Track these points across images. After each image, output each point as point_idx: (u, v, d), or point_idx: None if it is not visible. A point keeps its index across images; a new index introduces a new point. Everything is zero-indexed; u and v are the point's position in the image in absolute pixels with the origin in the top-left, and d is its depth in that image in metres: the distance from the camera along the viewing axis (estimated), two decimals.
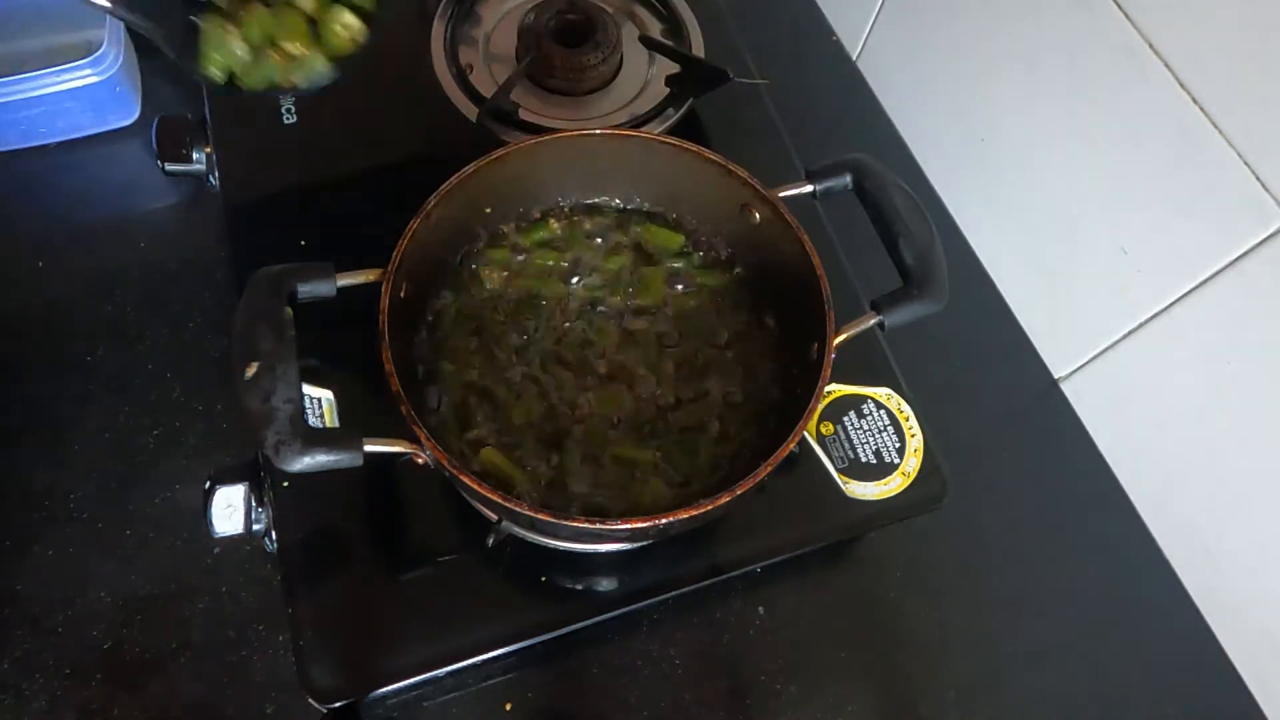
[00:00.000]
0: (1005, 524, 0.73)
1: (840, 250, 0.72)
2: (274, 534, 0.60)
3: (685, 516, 0.49)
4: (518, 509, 0.49)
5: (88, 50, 0.78)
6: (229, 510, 0.59)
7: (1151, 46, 0.61)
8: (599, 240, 0.66)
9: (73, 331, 0.73)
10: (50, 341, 0.72)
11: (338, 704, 0.57)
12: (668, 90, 0.78)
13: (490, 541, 0.58)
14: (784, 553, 0.64)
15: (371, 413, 0.53)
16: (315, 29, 0.60)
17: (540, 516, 0.49)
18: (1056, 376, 0.79)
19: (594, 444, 0.60)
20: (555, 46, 0.77)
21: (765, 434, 0.59)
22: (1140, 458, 0.73)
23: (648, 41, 0.80)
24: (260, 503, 0.60)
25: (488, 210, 0.63)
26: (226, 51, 0.59)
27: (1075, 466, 0.76)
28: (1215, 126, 0.58)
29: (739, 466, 0.59)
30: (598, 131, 0.62)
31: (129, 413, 0.70)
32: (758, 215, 0.61)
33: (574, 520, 0.49)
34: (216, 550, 0.65)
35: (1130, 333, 0.70)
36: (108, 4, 0.52)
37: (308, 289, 0.52)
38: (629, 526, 0.49)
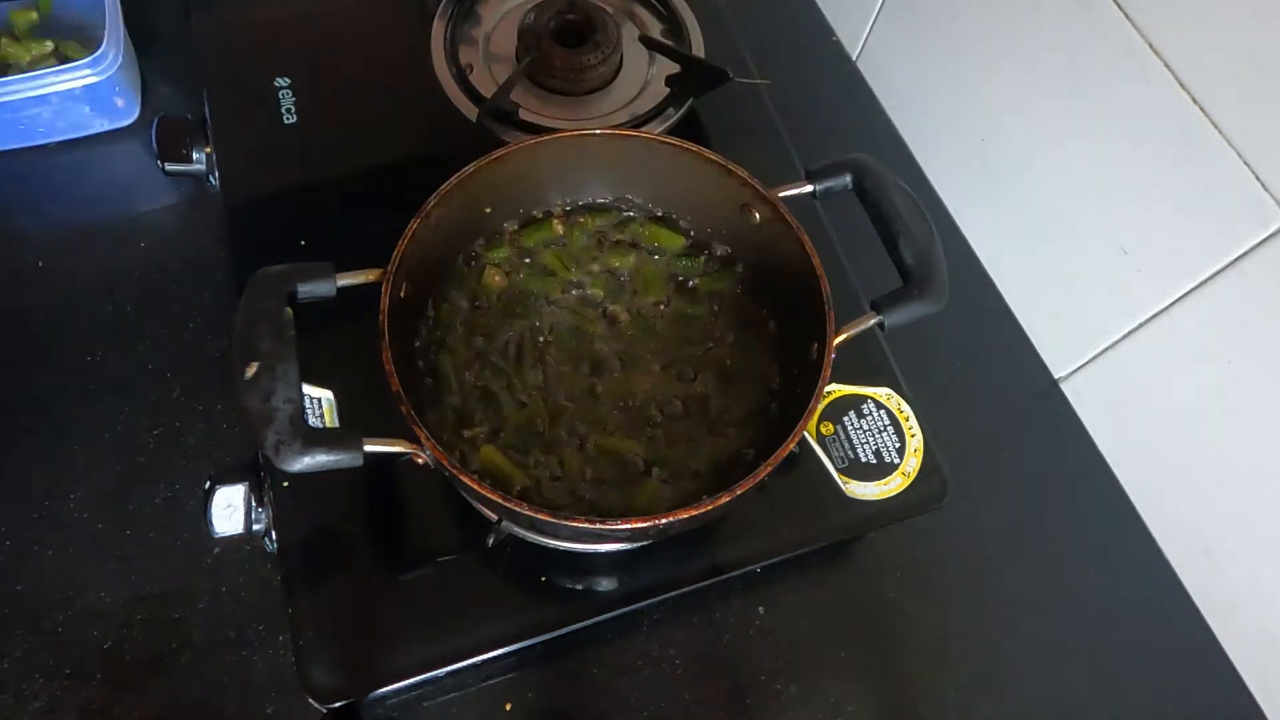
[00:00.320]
0: (1005, 524, 0.73)
1: (840, 250, 0.72)
2: (274, 534, 0.60)
3: (685, 516, 0.49)
4: (517, 509, 0.49)
5: (88, 50, 0.78)
6: (229, 510, 0.59)
7: (1151, 46, 0.61)
8: (599, 241, 0.66)
9: (73, 331, 0.73)
10: (50, 341, 0.72)
11: (338, 704, 0.57)
12: (668, 90, 0.78)
13: (490, 541, 0.58)
14: (784, 553, 0.64)
15: (372, 413, 0.53)
16: None
17: (540, 516, 0.49)
18: (1056, 376, 0.79)
19: (594, 444, 0.60)
20: (555, 46, 0.77)
21: (766, 434, 0.59)
22: (1140, 458, 0.73)
23: (648, 41, 0.80)
24: (260, 503, 0.60)
25: (488, 210, 0.63)
26: None
27: (1075, 466, 0.76)
28: (1215, 126, 0.58)
29: (739, 466, 0.59)
30: (598, 131, 0.62)
31: (129, 413, 0.70)
32: (758, 215, 0.61)
33: (574, 520, 0.49)
34: (216, 550, 0.65)
35: (1130, 333, 0.70)
36: None
37: (308, 289, 0.52)
38: (629, 526, 0.49)
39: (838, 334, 0.55)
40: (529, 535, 0.61)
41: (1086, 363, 0.76)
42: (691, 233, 0.66)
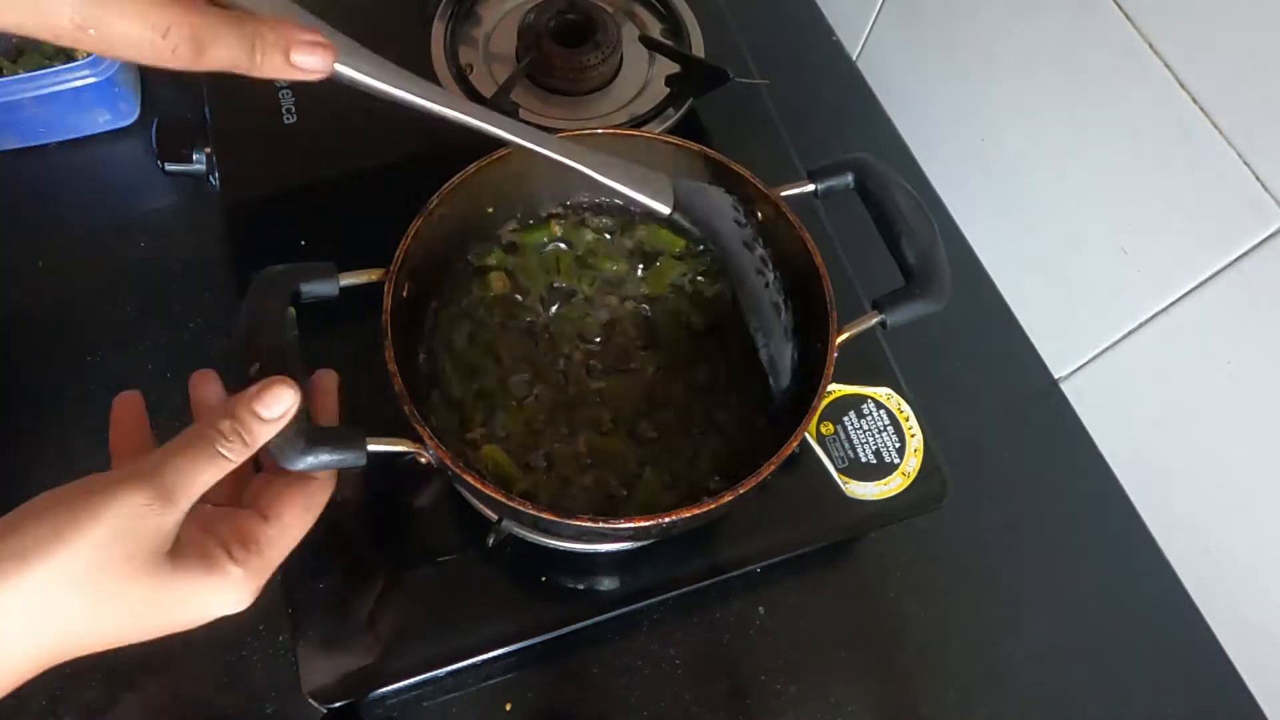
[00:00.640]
0: (1005, 524, 0.73)
1: (840, 250, 0.72)
2: None
3: (689, 515, 0.49)
4: (521, 508, 0.49)
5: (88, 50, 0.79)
6: None
7: (1151, 46, 0.61)
8: (601, 241, 0.66)
9: (73, 331, 0.73)
10: (50, 341, 0.72)
11: (338, 704, 0.57)
12: (668, 90, 0.78)
13: (491, 541, 0.58)
14: (784, 553, 0.64)
15: (376, 412, 0.53)
16: None
17: (545, 515, 0.49)
18: (1056, 376, 0.79)
19: (595, 445, 0.60)
20: (555, 46, 0.77)
21: (767, 433, 0.59)
22: (1140, 458, 0.73)
23: (648, 41, 0.81)
24: None
25: (490, 210, 0.63)
26: None
27: (1075, 466, 0.76)
28: (1215, 126, 0.58)
29: (741, 466, 0.58)
30: (599, 131, 0.62)
31: None
32: (759, 214, 0.61)
33: (578, 519, 0.49)
34: None
35: (1130, 333, 0.70)
36: None
37: (310, 289, 0.52)
38: (632, 525, 0.49)
39: (840, 333, 0.55)
40: (530, 535, 0.61)
41: (1086, 363, 0.76)
42: (692, 233, 0.66)
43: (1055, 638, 0.69)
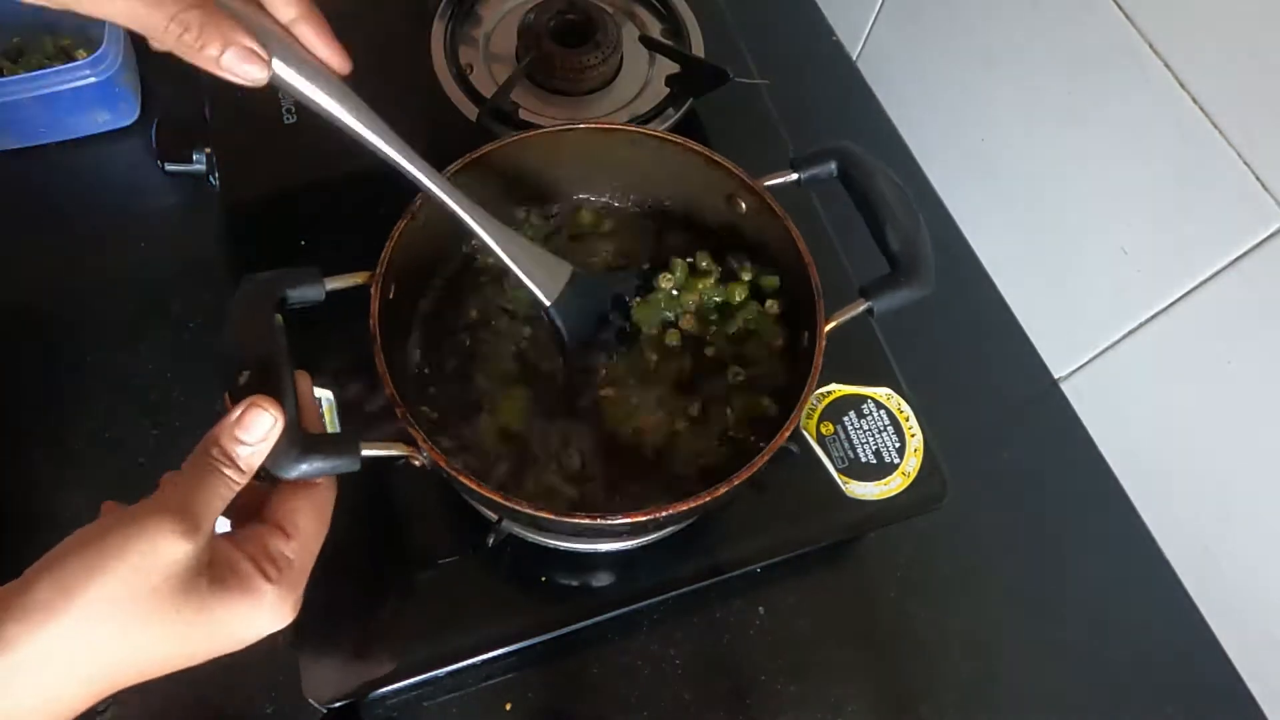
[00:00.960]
0: (1005, 524, 0.73)
1: (834, 239, 0.73)
2: None
3: (685, 509, 0.49)
4: (519, 508, 0.49)
5: (88, 50, 0.79)
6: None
7: (1151, 46, 0.61)
8: (585, 238, 0.66)
9: (73, 331, 0.73)
10: (50, 341, 0.72)
11: (338, 704, 0.57)
12: (668, 90, 0.78)
13: (490, 541, 0.58)
14: (784, 553, 0.64)
15: (372, 411, 0.53)
16: None
17: (543, 514, 0.49)
18: (1056, 376, 0.79)
19: (590, 442, 0.60)
20: (555, 46, 0.77)
21: (764, 424, 0.60)
22: (1140, 458, 0.73)
23: (648, 41, 0.80)
24: None
25: None
26: None
27: (1075, 466, 0.76)
28: (1215, 126, 0.58)
29: (736, 460, 0.59)
30: (580, 126, 0.62)
31: (129, 413, 0.70)
32: (744, 205, 0.60)
33: (575, 516, 0.49)
34: None
35: (1130, 333, 0.70)
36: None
37: (296, 294, 0.51)
38: (629, 520, 0.49)
39: (828, 321, 0.55)
40: (529, 534, 0.61)
41: (1086, 363, 0.76)
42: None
43: (1055, 638, 0.69)
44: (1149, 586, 0.72)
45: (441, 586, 0.60)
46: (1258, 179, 0.57)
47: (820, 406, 0.67)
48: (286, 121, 0.76)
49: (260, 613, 0.41)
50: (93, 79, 0.75)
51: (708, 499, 0.49)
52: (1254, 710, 0.68)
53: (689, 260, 0.63)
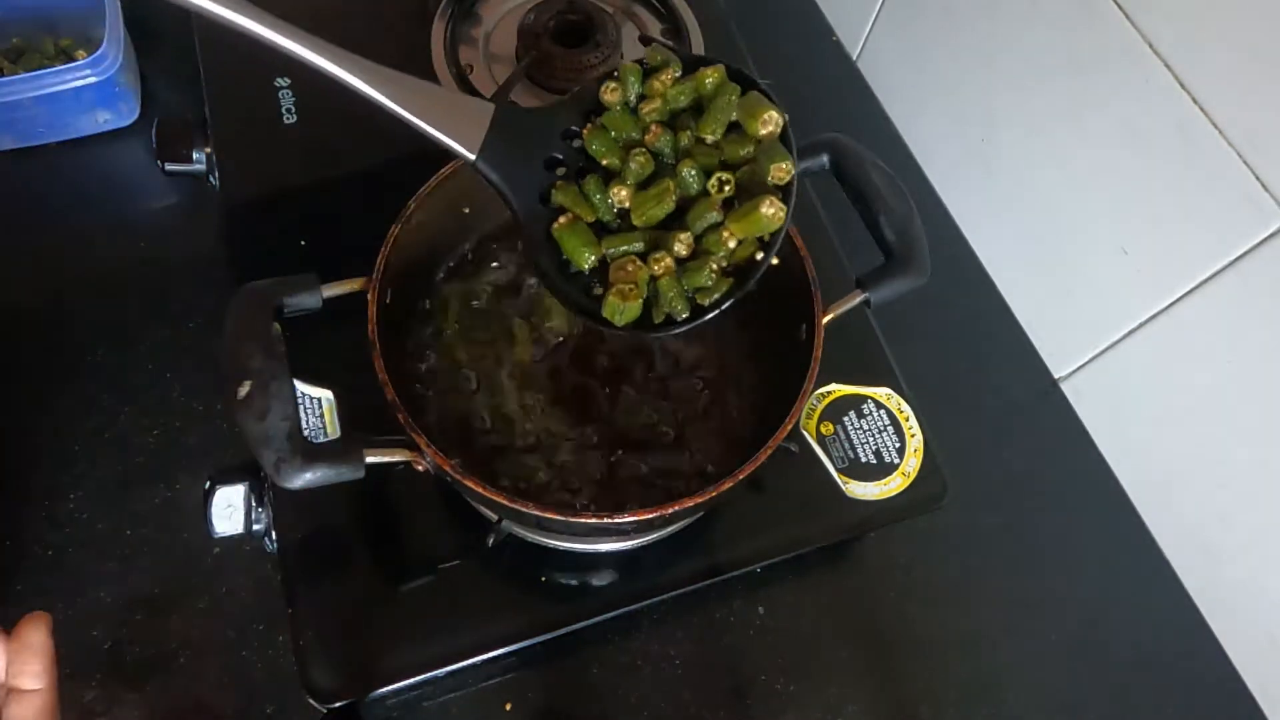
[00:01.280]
0: (1005, 524, 0.72)
1: (832, 233, 0.73)
2: (274, 534, 0.60)
3: (689, 505, 0.49)
4: (523, 509, 0.49)
5: (88, 50, 0.78)
6: (229, 510, 0.59)
7: (1151, 47, 0.61)
8: None
9: (73, 331, 0.73)
10: (50, 341, 0.72)
11: (338, 704, 0.57)
12: None
13: (491, 541, 0.58)
14: (784, 553, 0.64)
15: (372, 412, 0.53)
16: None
17: (548, 515, 0.49)
18: (1056, 376, 0.79)
19: (588, 442, 0.60)
20: (555, 46, 0.77)
21: (766, 420, 0.60)
22: (1140, 458, 0.73)
23: (647, 41, 0.80)
24: (260, 503, 0.60)
25: (466, 210, 0.63)
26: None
27: (1075, 466, 0.76)
28: (1215, 126, 0.58)
29: (737, 457, 0.59)
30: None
31: (129, 413, 0.70)
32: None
33: (581, 516, 0.49)
34: (216, 550, 0.65)
35: (1130, 333, 0.70)
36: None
37: (294, 302, 0.51)
38: (635, 519, 0.49)
39: (825, 313, 0.55)
40: (530, 535, 0.61)
41: (1086, 363, 0.76)
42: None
43: (1055, 638, 0.69)
44: (1149, 586, 0.72)
45: (441, 587, 0.60)
46: (1258, 179, 0.57)
47: (820, 406, 0.67)
48: (286, 121, 0.76)
49: None
50: (93, 79, 0.75)
51: (714, 494, 0.50)
52: (1254, 710, 0.68)
53: (639, 61, 0.51)
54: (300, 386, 0.53)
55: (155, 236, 0.78)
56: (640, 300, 0.47)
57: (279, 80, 0.78)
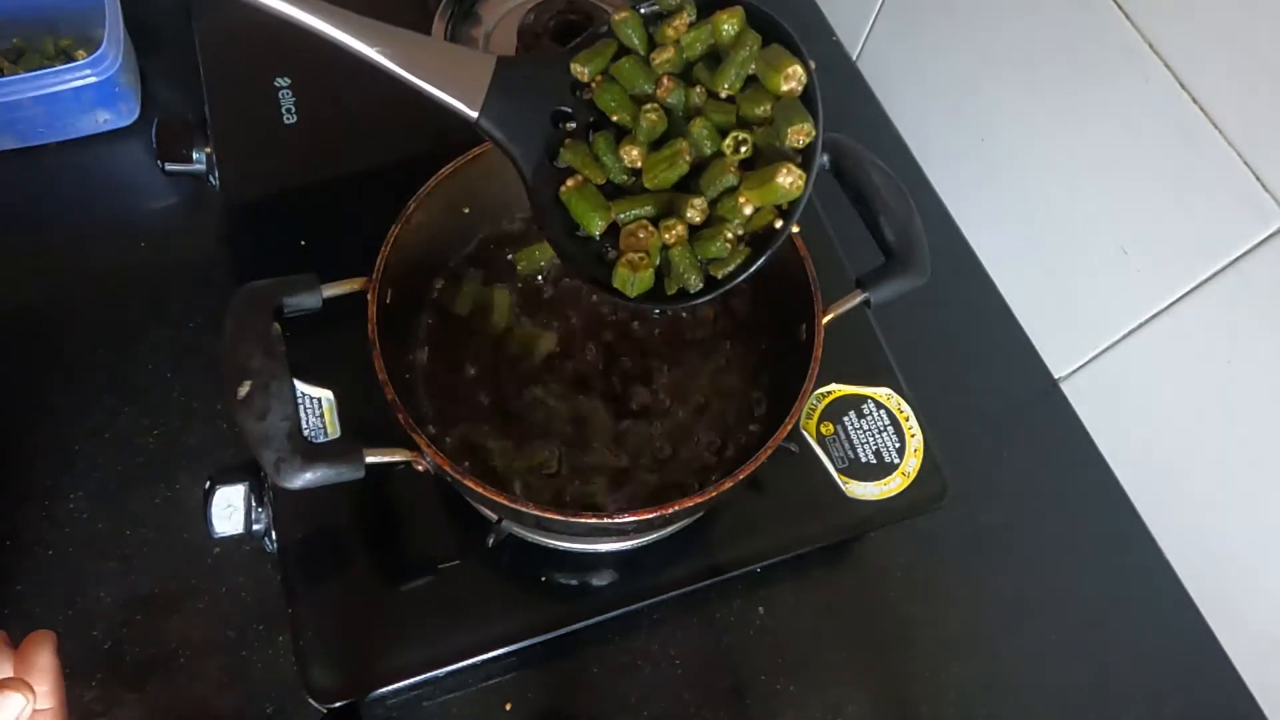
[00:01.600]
0: (1005, 524, 0.72)
1: (832, 232, 0.73)
2: (274, 534, 0.60)
3: (689, 505, 0.49)
4: (523, 509, 0.49)
5: (88, 50, 0.78)
6: (229, 510, 0.59)
7: (1151, 46, 0.61)
8: None
9: (73, 331, 0.73)
10: (50, 341, 0.72)
11: (338, 704, 0.57)
12: None
13: (491, 541, 0.58)
14: (784, 553, 0.64)
15: (372, 411, 0.53)
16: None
17: (548, 515, 0.49)
18: (1056, 376, 0.79)
19: (587, 442, 0.60)
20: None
21: (766, 420, 0.60)
22: (1140, 458, 0.73)
23: None
24: (260, 503, 0.60)
25: (466, 210, 0.63)
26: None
27: (1075, 466, 0.76)
28: (1215, 126, 0.58)
29: (738, 457, 0.59)
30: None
31: (129, 413, 0.70)
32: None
33: (581, 516, 0.49)
34: (216, 550, 0.65)
35: (1130, 333, 0.70)
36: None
37: (294, 302, 0.51)
38: (635, 518, 0.49)
39: (825, 313, 0.55)
40: (530, 535, 0.61)
41: (1086, 363, 0.76)
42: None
43: (1055, 638, 0.69)
44: (1149, 586, 0.72)
45: (441, 586, 0.60)
46: (1258, 179, 0.57)
47: (820, 406, 0.67)
48: (286, 122, 0.76)
49: None
50: (93, 79, 0.75)
51: (715, 493, 0.50)
52: (1254, 710, 0.68)
53: (646, 7, 0.47)
54: (300, 386, 0.53)
55: (155, 236, 0.78)
56: (652, 270, 0.45)
57: (279, 80, 0.78)
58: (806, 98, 0.45)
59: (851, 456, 0.66)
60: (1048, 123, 0.72)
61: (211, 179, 0.75)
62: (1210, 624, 0.70)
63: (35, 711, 0.41)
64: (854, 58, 0.95)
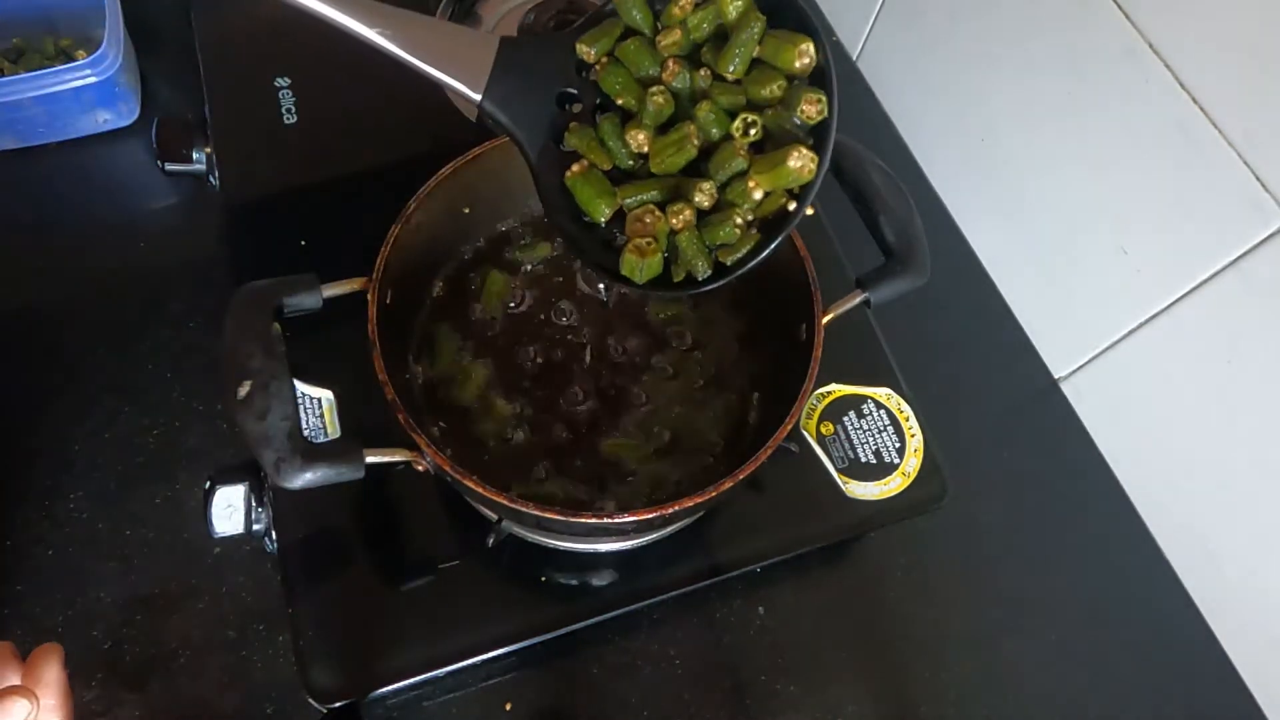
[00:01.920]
0: (1005, 524, 0.72)
1: (832, 232, 0.73)
2: (274, 534, 0.60)
3: (690, 505, 0.49)
4: (524, 509, 0.49)
5: (88, 50, 0.78)
6: (229, 510, 0.59)
7: (1151, 46, 0.61)
8: None
9: (73, 331, 0.73)
10: (50, 341, 0.72)
11: (338, 704, 0.57)
12: None
13: (491, 541, 0.58)
14: (784, 553, 0.64)
15: (373, 411, 0.53)
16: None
17: (549, 515, 0.49)
18: (1056, 376, 0.79)
19: (586, 442, 0.60)
20: None
21: (766, 421, 0.60)
22: (1140, 458, 0.73)
23: None
24: (260, 503, 0.60)
25: (466, 210, 0.63)
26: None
27: (1075, 466, 0.76)
28: (1215, 126, 0.58)
29: (738, 457, 0.59)
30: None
31: (129, 413, 0.70)
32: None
33: (582, 516, 0.49)
34: (216, 550, 0.65)
35: (1130, 333, 0.70)
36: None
37: (294, 302, 0.51)
38: (635, 519, 0.49)
39: (825, 313, 0.55)
40: (530, 535, 0.61)
41: (1086, 363, 0.76)
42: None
43: (1055, 638, 0.69)
44: (1149, 586, 0.72)
45: (441, 586, 0.60)
46: (1258, 179, 0.57)
47: (820, 406, 0.67)
48: (286, 122, 0.76)
49: None
50: (93, 79, 0.75)
51: (712, 495, 0.50)
52: (1254, 710, 0.68)
53: None
54: (300, 386, 0.53)
55: (155, 236, 0.78)
56: (660, 255, 0.44)
57: (279, 80, 0.78)
58: (821, 80, 0.44)
59: (851, 456, 0.66)
60: (1048, 123, 0.72)
61: (211, 179, 0.75)
62: (1210, 624, 0.70)
63: None
64: (854, 58, 0.95)
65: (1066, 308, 0.76)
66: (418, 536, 0.62)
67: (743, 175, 0.44)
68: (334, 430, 0.60)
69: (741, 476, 0.50)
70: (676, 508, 0.49)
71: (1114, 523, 0.74)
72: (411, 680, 0.58)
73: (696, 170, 0.45)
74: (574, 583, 0.62)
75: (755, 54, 0.44)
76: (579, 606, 0.61)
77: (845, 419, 0.67)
